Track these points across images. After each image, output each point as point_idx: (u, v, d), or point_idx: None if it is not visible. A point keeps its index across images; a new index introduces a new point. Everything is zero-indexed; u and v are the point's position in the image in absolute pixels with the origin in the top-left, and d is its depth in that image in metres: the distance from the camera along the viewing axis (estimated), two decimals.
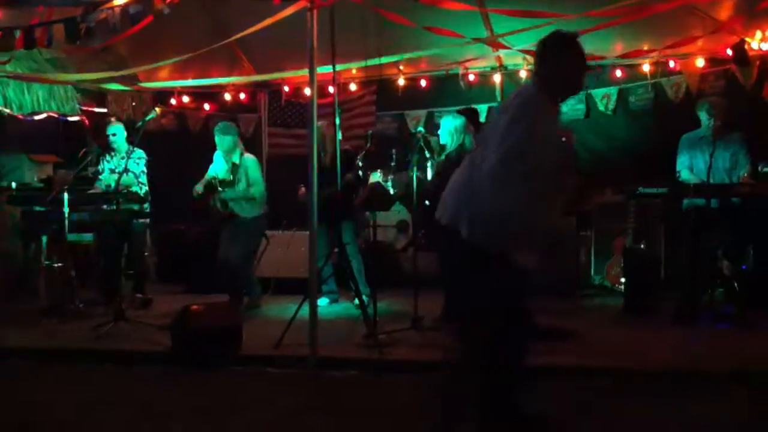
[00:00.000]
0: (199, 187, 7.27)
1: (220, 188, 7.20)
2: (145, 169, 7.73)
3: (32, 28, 5.94)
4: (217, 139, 7.37)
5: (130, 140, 7.37)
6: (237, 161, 7.37)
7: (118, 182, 7.00)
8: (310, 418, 4.31)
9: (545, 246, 3.53)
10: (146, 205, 7.61)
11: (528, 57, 8.06)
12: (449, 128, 6.44)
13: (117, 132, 7.71)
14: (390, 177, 8.56)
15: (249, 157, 7.52)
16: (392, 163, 8.73)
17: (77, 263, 7.75)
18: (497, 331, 3.47)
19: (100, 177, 7.71)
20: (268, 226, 7.81)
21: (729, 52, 7.51)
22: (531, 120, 3.38)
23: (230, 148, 7.38)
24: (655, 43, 7.91)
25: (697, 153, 6.50)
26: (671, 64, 8.25)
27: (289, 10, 6.02)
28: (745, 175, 6.32)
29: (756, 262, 6.66)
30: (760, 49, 7.42)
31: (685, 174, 6.57)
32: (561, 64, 3.54)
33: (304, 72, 5.78)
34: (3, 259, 7.95)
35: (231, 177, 7.29)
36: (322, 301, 7.53)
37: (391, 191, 6.79)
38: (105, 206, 7.05)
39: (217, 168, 7.42)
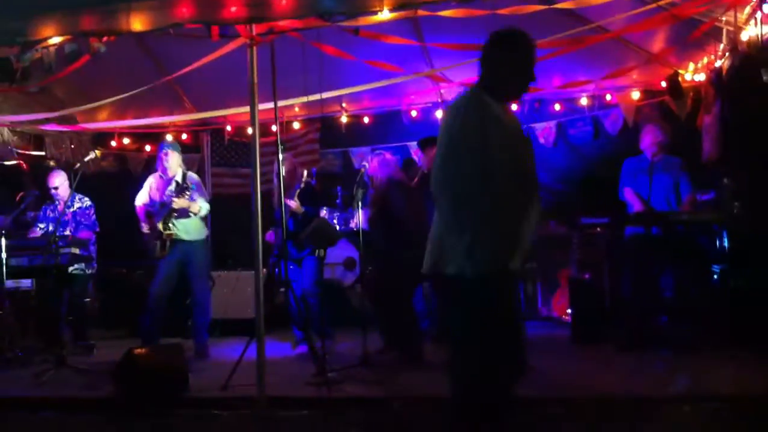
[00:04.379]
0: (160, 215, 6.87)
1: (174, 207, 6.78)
2: (94, 217, 7.66)
3: None
4: (166, 157, 7.01)
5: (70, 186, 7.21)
6: (180, 180, 6.94)
7: (56, 229, 6.85)
8: None
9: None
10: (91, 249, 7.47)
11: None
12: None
13: (59, 185, 7.57)
14: (336, 214, 8.59)
15: (193, 175, 7.26)
16: (337, 200, 8.78)
17: (16, 310, 7.53)
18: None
19: (39, 225, 7.56)
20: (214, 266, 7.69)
21: (663, 84, 7.71)
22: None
23: (178, 164, 7.08)
24: (591, 75, 8.05)
25: (639, 177, 6.65)
26: (608, 97, 8.41)
27: (228, 47, 6.01)
28: (688, 198, 6.48)
29: (696, 287, 6.73)
30: (693, 81, 7.62)
31: (627, 193, 6.68)
32: (503, 62, 3.32)
33: (246, 109, 5.70)
34: None
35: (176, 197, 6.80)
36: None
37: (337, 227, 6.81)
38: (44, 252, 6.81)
39: (153, 193, 7.10)
